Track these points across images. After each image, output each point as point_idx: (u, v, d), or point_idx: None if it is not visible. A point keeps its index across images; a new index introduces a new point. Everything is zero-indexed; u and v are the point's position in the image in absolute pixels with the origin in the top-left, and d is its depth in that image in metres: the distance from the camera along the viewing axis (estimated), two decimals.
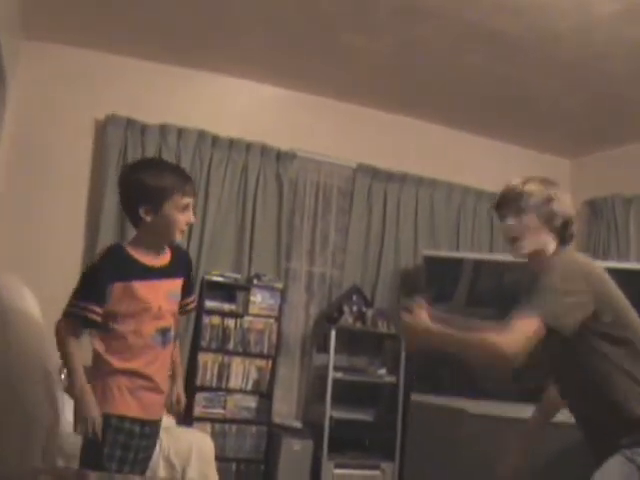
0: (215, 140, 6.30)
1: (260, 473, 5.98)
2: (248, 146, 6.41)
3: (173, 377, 3.25)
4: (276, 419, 6.27)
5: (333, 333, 6.20)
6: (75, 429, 2.83)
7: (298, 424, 6.32)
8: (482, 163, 7.19)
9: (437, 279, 6.40)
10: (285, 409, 6.48)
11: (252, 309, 6.11)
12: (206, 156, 6.27)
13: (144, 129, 6.07)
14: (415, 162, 7.03)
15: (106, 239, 5.78)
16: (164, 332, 2.98)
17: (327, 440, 6.08)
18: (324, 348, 6.34)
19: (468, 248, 7.13)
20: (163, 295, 3.00)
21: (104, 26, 5.71)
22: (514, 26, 5.10)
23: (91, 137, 6.11)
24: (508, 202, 2.87)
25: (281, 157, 6.52)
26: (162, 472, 4.14)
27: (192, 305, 3.34)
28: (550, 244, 2.81)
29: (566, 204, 2.82)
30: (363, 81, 6.41)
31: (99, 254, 3.00)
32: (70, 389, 2.87)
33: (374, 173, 6.87)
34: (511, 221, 2.86)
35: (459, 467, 5.74)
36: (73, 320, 2.89)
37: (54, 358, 4.28)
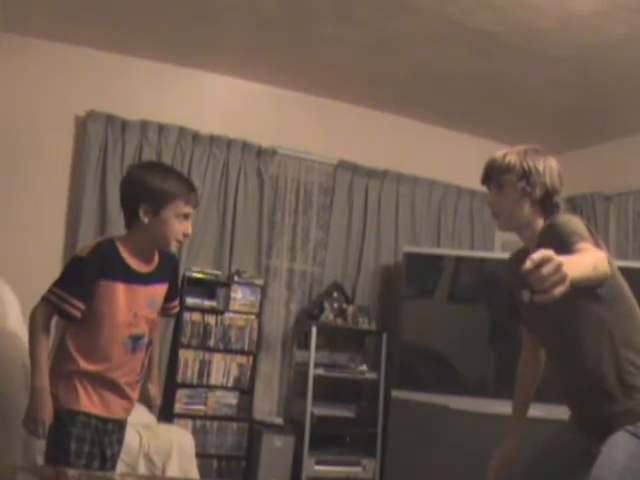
0: (196, 136, 6.28)
1: (241, 470, 5.98)
2: (229, 142, 6.39)
3: (150, 376, 3.24)
4: (257, 416, 6.27)
5: (314, 330, 6.20)
6: (24, 424, 2.79)
7: (279, 421, 6.32)
8: (463, 160, 7.18)
9: (418, 276, 6.42)
10: (266, 406, 6.48)
11: (233, 306, 6.10)
12: (187, 152, 6.25)
13: (125, 125, 6.04)
14: (396, 159, 7.03)
15: (86, 236, 5.77)
16: (136, 339, 2.94)
17: (308, 436, 6.08)
18: (305, 345, 6.35)
19: (449, 245, 7.15)
20: (142, 301, 2.96)
21: (85, 21, 5.68)
22: (496, 22, 5.11)
23: (71, 133, 6.06)
24: (490, 176, 2.87)
25: (262, 153, 6.51)
26: (142, 469, 4.13)
27: (175, 310, 3.31)
28: (534, 216, 2.80)
29: (547, 175, 2.79)
30: (344, 77, 6.41)
31: (89, 246, 2.90)
32: (31, 382, 2.79)
33: (355, 170, 6.87)
34: (493, 196, 2.87)
35: (440, 463, 5.76)
36: (51, 309, 2.83)
37: None
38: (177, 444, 4.36)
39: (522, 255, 2.90)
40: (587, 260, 2.35)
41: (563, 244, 2.46)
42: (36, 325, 2.82)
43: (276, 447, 5.98)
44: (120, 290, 2.87)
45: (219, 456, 5.93)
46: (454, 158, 7.23)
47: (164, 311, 3.18)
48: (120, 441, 3.06)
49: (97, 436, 2.88)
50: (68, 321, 2.86)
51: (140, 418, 4.19)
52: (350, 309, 6.47)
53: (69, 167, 6.03)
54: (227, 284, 6.15)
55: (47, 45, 5.97)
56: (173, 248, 2.99)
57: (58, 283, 2.84)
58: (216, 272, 6.15)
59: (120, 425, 3.03)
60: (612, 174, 7.02)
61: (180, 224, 2.92)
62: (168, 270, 3.13)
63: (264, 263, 6.49)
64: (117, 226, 5.81)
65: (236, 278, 6.13)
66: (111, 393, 2.91)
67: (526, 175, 2.76)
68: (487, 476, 3.05)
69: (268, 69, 6.38)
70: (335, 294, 6.55)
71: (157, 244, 2.96)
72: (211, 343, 6.01)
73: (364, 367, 6.50)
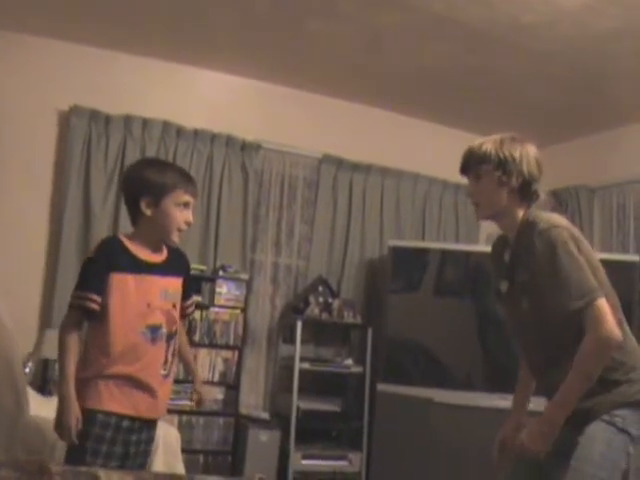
0: (180, 131, 6.26)
1: (227, 464, 5.98)
2: (213, 137, 6.38)
3: (190, 373, 3.49)
4: (243, 410, 6.27)
5: (299, 324, 6.19)
6: (55, 429, 2.87)
7: (265, 415, 6.32)
8: (448, 153, 7.11)
9: (403, 269, 6.43)
10: (252, 400, 6.48)
11: (218, 300, 6.09)
12: (171, 147, 6.23)
13: (108, 120, 6.01)
14: (381, 152, 7.03)
15: (70, 231, 5.77)
16: (154, 329, 2.98)
17: (294, 431, 6.08)
18: (290, 339, 6.34)
19: (434, 238, 7.16)
20: (155, 292, 3.01)
21: (69, 15, 5.65)
22: (483, 17, 5.11)
23: (54, 128, 6.03)
24: (468, 166, 2.87)
25: (246, 148, 6.49)
26: None
27: (190, 309, 3.37)
28: (513, 205, 2.79)
29: (525, 162, 2.77)
30: (329, 71, 6.40)
31: (95, 246, 3.03)
32: (59, 389, 2.90)
33: (340, 163, 6.87)
34: (471, 185, 2.88)
35: (426, 456, 5.77)
36: (75, 312, 2.92)
37: (18, 350, 4.26)
38: (163, 439, 4.35)
39: (501, 243, 2.92)
40: (580, 372, 2.54)
41: (553, 284, 2.59)
42: (64, 333, 2.91)
43: (262, 442, 5.98)
44: (130, 280, 2.94)
45: (205, 451, 5.93)
46: (439, 152, 7.22)
47: (182, 310, 3.22)
48: (149, 440, 3.10)
49: (121, 435, 2.92)
50: (90, 320, 2.93)
51: None
52: (335, 303, 6.47)
53: (52, 162, 6.00)
54: (212, 279, 6.14)
55: (30, 40, 5.93)
56: (175, 238, 3.05)
57: (76, 287, 2.94)
58: (201, 267, 6.13)
59: (149, 424, 3.07)
60: (596, 167, 7.04)
61: (181, 213, 3.01)
62: (180, 266, 3.22)
63: (249, 258, 6.48)
64: (100, 221, 5.83)
65: (221, 273, 6.13)
66: (137, 391, 2.95)
67: (502, 164, 2.76)
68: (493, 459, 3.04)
69: (252, 63, 6.37)
70: (320, 288, 6.54)
71: (161, 235, 3.04)
72: (196, 338, 6.01)
73: (350, 361, 6.50)
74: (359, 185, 6.95)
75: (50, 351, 5.46)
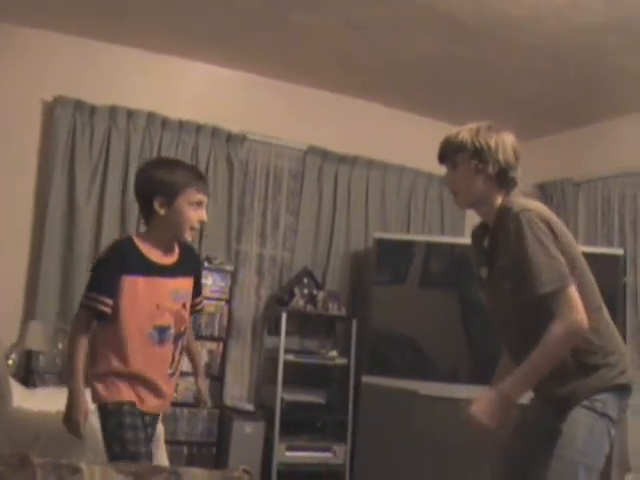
0: (165, 122, 6.24)
1: (212, 456, 5.97)
2: (198, 128, 6.35)
3: (194, 372, 3.47)
4: (228, 402, 6.27)
5: (284, 315, 6.20)
6: (63, 423, 2.96)
7: (250, 407, 6.32)
8: (433, 146, 7.11)
9: (388, 261, 6.43)
10: (236, 392, 6.48)
11: (203, 291, 6.07)
12: (156, 138, 6.20)
13: (93, 111, 5.98)
14: (366, 144, 7.03)
15: (54, 222, 5.75)
16: (162, 330, 3.02)
17: (279, 422, 6.08)
18: (275, 331, 6.33)
19: (419, 230, 7.17)
20: (166, 294, 3.05)
21: (52, 5, 5.60)
22: (467, 9, 5.11)
23: (39, 119, 5.99)
24: (445, 155, 2.93)
25: (231, 139, 6.48)
26: None
27: (200, 306, 3.42)
28: (492, 193, 2.83)
29: (501, 150, 2.80)
30: (314, 62, 6.39)
31: (107, 247, 3.07)
32: (68, 384, 2.96)
33: (325, 155, 6.86)
34: (449, 175, 2.93)
35: (411, 448, 5.79)
36: (86, 312, 2.97)
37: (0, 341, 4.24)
38: None
39: (480, 230, 2.95)
40: (544, 353, 2.57)
41: (523, 267, 2.62)
42: (75, 330, 2.98)
43: (247, 433, 5.98)
44: (140, 283, 2.98)
45: (189, 443, 5.92)
46: (425, 144, 7.12)
47: (191, 307, 3.26)
48: (151, 435, 3.15)
49: (142, 422, 2.99)
50: (100, 320, 2.97)
51: None
52: (320, 295, 6.47)
53: (37, 152, 5.96)
54: None
55: (14, 29, 5.88)
56: (188, 236, 3.09)
57: (88, 287, 2.99)
58: None
59: (153, 419, 3.14)
60: (581, 161, 7.06)
61: (194, 212, 3.05)
62: (192, 265, 3.27)
63: (234, 249, 6.47)
64: (85, 212, 5.81)
65: (206, 264, 6.11)
66: (146, 391, 3.01)
67: (478, 152, 2.80)
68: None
69: (238, 55, 6.35)
70: (305, 280, 6.54)
71: (174, 234, 3.09)
72: None
73: (334, 353, 6.51)
74: (344, 177, 6.95)
75: (33, 342, 5.44)
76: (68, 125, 5.90)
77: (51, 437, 3.70)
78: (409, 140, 7.21)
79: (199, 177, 3.13)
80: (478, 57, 5.89)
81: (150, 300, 2.99)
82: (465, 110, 6.88)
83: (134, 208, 5.93)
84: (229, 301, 6.19)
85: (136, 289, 2.96)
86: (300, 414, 6.33)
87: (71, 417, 2.91)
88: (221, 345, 6.12)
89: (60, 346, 5.55)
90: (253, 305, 6.63)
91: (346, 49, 6.02)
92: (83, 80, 6.04)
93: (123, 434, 2.88)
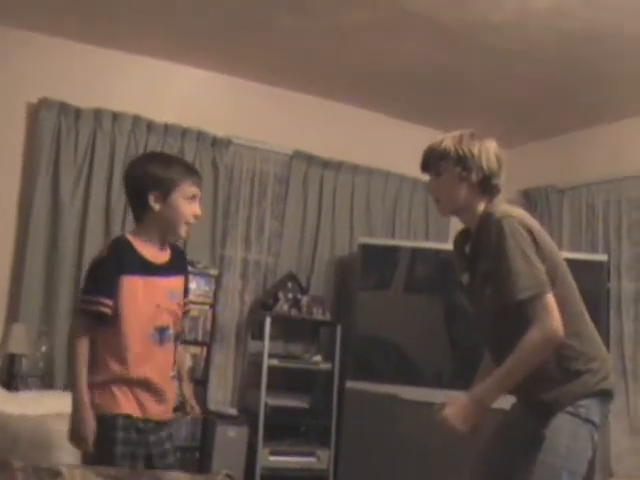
0: (150, 125, 6.22)
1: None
2: (184, 132, 6.34)
3: (180, 381, 3.37)
4: (211, 406, 6.25)
5: (268, 320, 6.19)
6: (69, 439, 2.88)
7: (233, 411, 6.31)
8: (418, 151, 7.14)
9: (373, 267, 6.43)
10: (220, 396, 6.45)
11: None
12: (141, 141, 6.18)
13: (78, 113, 5.96)
14: (352, 150, 7.03)
15: (38, 225, 5.72)
16: (162, 331, 2.99)
17: (262, 427, 6.07)
18: (259, 335, 6.32)
19: (404, 236, 7.18)
20: (163, 293, 3.03)
21: (37, 6, 5.58)
22: (452, 15, 5.13)
23: (23, 121, 5.96)
24: (428, 164, 2.94)
25: (217, 143, 6.47)
26: None
27: (187, 307, 3.36)
28: (475, 200, 2.85)
29: (485, 158, 2.82)
30: (300, 67, 6.39)
31: (104, 248, 3.02)
32: (72, 398, 2.89)
33: (310, 160, 6.86)
34: (432, 182, 2.95)
35: (395, 453, 5.79)
36: (84, 317, 2.92)
37: None
38: None
39: (462, 236, 2.96)
40: (519, 359, 2.58)
41: (502, 273, 2.64)
42: (75, 340, 2.91)
43: (230, 438, 5.96)
44: (139, 283, 2.94)
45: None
46: (410, 150, 7.11)
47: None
48: (170, 437, 3.14)
49: (141, 436, 2.93)
50: (100, 322, 2.91)
51: None
52: (304, 299, 6.47)
53: (21, 155, 5.93)
54: None
55: None
56: (183, 232, 3.08)
57: (83, 290, 2.96)
58: None
59: (161, 424, 3.08)
60: (565, 168, 7.10)
61: (189, 206, 3.04)
62: (182, 265, 3.24)
63: (218, 253, 6.46)
64: (69, 215, 5.79)
65: (190, 268, 6.08)
66: (148, 396, 2.96)
67: (462, 160, 2.81)
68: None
69: (224, 58, 6.34)
70: (289, 284, 6.53)
71: (168, 230, 3.06)
72: None
73: (318, 358, 6.51)
74: (330, 182, 6.95)
75: (17, 346, 5.42)
76: (53, 127, 5.88)
77: (31, 441, 3.70)
78: (394, 145, 7.22)
79: (194, 172, 3.12)
80: (462, 63, 5.91)
81: (150, 300, 2.96)
82: (450, 116, 6.92)
83: (119, 210, 5.92)
84: (213, 305, 6.18)
85: (136, 290, 2.93)
86: (284, 419, 6.32)
87: (79, 433, 2.83)
88: (205, 349, 6.11)
89: (43, 349, 5.53)
90: (237, 309, 6.61)
91: (331, 54, 6.02)
92: (68, 83, 6.01)
93: (112, 448, 2.84)
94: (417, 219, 7.34)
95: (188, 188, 3.02)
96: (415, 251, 6.47)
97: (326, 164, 6.93)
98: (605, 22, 4.99)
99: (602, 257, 6.21)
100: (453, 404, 2.67)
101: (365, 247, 6.40)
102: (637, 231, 6.42)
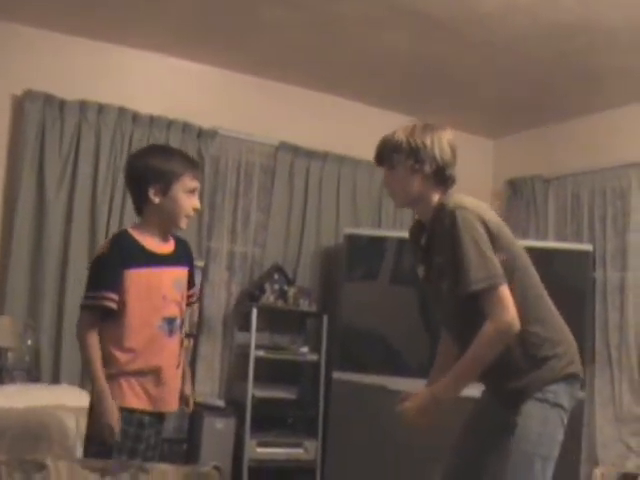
0: (136, 117, 6.20)
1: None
2: (169, 124, 6.32)
3: (182, 376, 3.29)
4: (198, 398, 6.22)
5: (255, 311, 6.19)
6: (92, 431, 2.90)
7: (220, 403, 6.30)
8: None
9: (359, 257, 6.44)
10: (207, 388, 6.44)
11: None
12: (127, 133, 6.16)
13: (63, 105, 5.93)
14: (337, 140, 7.03)
15: (23, 218, 5.70)
16: (170, 321, 3.02)
17: (249, 418, 6.07)
18: (246, 327, 6.32)
19: (390, 227, 7.17)
20: (169, 283, 3.04)
21: None
22: (436, 7, 5.13)
23: (8, 113, 5.93)
24: (382, 157, 2.96)
25: (202, 135, 6.45)
26: (79, 453, 4.09)
27: (194, 298, 3.40)
28: (429, 191, 2.85)
29: (438, 149, 2.82)
30: (284, 58, 6.38)
31: (105, 243, 3.04)
32: (93, 391, 2.92)
33: (296, 151, 6.86)
34: (386, 175, 2.96)
35: (381, 444, 5.80)
36: (90, 313, 2.93)
37: None
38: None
39: (417, 228, 2.97)
40: (476, 353, 2.62)
41: (455, 264, 2.65)
42: (82, 334, 2.92)
43: (217, 429, 5.97)
44: (145, 274, 2.97)
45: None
46: None
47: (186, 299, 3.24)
48: (159, 432, 3.15)
49: (141, 431, 2.96)
50: (106, 317, 2.92)
51: (77, 401, 4.15)
52: (291, 291, 6.47)
53: (5, 147, 5.90)
54: None
55: None
56: (183, 224, 3.08)
57: (87, 287, 2.96)
58: None
59: (162, 417, 3.14)
60: (551, 158, 7.13)
61: (189, 199, 3.04)
62: (185, 255, 3.24)
63: (205, 245, 6.45)
64: (54, 207, 5.77)
65: None
66: (156, 386, 2.98)
67: (414, 152, 2.82)
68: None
69: (209, 49, 6.33)
70: (276, 276, 6.53)
71: (169, 222, 3.07)
72: None
73: (305, 349, 6.51)
74: (316, 173, 6.95)
75: (2, 339, 5.39)
76: (38, 119, 5.84)
77: (17, 434, 3.69)
78: (380, 136, 7.17)
79: (194, 165, 3.14)
80: (447, 54, 5.91)
81: (157, 292, 2.98)
82: (435, 107, 6.93)
83: (104, 203, 5.91)
84: (200, 297, 6.15)
85: (141, 282, 2.94)
86: (271, 410, 6.32)
87: (105, 424, 2.84)
88: (192, 341, 6.09)
89: (29, 342, 5.51)
90: (224, 301, 6.61)
91: (318, 45, 6.02)
92: (53, 74, 5.99)
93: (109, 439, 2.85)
94: (403, 210, 7.27)
95: (189, 182, 3.03)
96: (401, 242, 6.45)
97: (312, 155, 6.93)
98: (591, 14, 5.00)
99: (587, 247, 6.22)
100: (413, 397, 2.77)
101: (351, 238, 6.40)
102: (622, 221, 6.45)
